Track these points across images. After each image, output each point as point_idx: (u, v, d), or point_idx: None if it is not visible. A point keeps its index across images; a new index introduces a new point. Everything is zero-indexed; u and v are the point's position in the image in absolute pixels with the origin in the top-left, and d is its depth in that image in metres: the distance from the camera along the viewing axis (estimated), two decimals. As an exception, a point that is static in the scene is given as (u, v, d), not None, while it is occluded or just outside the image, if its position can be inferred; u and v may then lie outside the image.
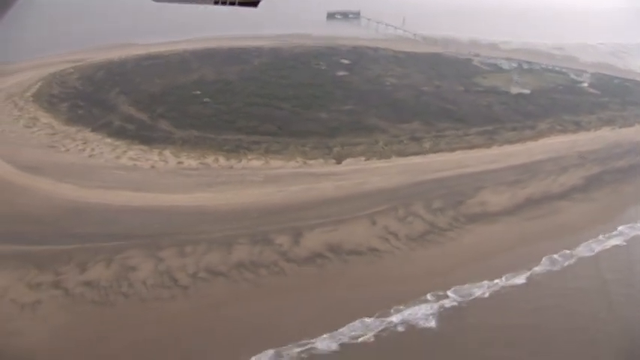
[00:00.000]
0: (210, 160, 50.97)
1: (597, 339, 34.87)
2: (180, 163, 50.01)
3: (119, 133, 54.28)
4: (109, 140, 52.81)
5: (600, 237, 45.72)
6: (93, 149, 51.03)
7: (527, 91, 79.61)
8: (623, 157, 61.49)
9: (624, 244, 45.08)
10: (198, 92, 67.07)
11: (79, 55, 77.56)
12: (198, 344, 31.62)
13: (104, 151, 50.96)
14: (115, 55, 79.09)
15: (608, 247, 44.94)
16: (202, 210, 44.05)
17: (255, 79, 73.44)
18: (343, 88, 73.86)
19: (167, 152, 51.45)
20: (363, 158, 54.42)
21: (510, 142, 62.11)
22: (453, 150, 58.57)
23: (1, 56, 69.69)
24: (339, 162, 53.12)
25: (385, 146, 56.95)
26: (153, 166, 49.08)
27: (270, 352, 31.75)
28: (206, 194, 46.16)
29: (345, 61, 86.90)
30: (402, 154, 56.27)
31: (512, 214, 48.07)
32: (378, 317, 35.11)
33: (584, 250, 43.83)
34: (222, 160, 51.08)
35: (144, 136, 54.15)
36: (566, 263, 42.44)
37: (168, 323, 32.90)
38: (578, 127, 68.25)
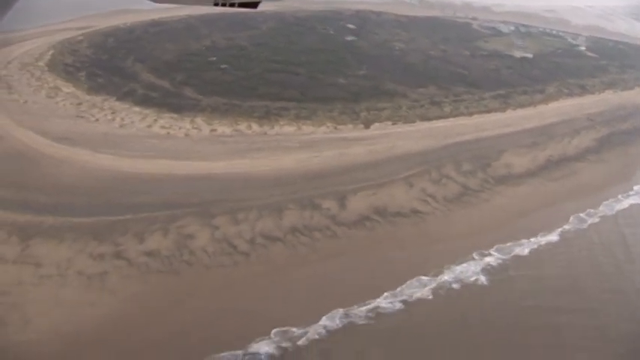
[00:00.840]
0: (243, 126, 49.97)
1: (622, 286, 37.13)
2: (213, 130, 48.88)
3: (145, 102, 52.49)
4: (136, 109, 51.06)
5: (619, 197, 47.19)
6: (122, 119, 49.32)
7: (529, 55, 79.94)
8: (627, 120, 62.86)
9: (641, 202, 46.87)
10: (214, 59, 65.09)
11: (83, 23, 73.72)
12: (266, 309, 31.77)
13: (134, 120, 49.32)
14: (119, 21, 75.49)
15: (626, 205, 46.47)
16: (244, 177, 43.47)
17: (266, 45, 71.52)
18: (354, 53, 72.71)
19: (199, 120, 50.15)
20: (389, 123, 54.21)
21: (523, 105, 62.63)
22: (471, 114, 58.79)
23: (3, 24, 65.69)
24: (367, 127, 52.83)
25: (409, 110, 56.78)
26: (187, 134, 47.89)
27: (340, 311, 32.22)
28: (245, 161, 45.47)
29: (351, 26, 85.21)
30: (425, 118, 56.24)
31: (535, 176, 48.98)
32: (432, 276, 35.90)
33: (605, 209, 45.20)
34: (255, 127, 50.14)
35: (171, 104, 52.53)
36: (590, 221, 43.84)
37: (234, 289, 32.88)
38: (584, 90, 69.19)
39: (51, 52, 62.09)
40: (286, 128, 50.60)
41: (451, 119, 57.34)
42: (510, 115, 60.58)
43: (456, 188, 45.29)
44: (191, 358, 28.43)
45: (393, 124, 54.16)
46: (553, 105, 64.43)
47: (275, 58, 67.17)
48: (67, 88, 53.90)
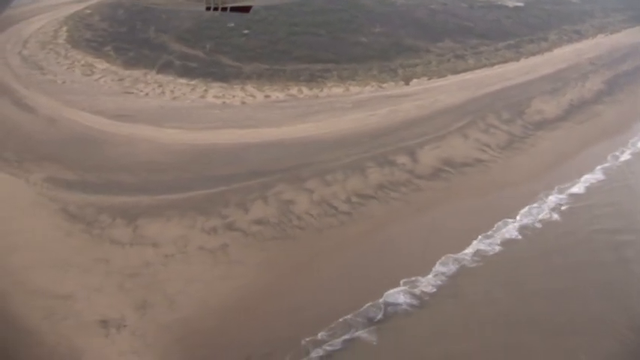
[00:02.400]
0: (294, 91, 48.48)
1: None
2: (267, 96, 47.18)
3: (188, 72, 49.66)
4: (182, 80, 48.31)
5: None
6: (172, 91, 46.62)
7: (521, 4, 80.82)
8: (625, 61, 65.56)
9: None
10: (232, 24, 61.74)
11: None
12: (384, 262, 31.91)
13: (185, 91, 46.75)
14: None
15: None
16: (315, 140, 42.57)
17: (277, 8, 68.30)
18: (363, 11, 70.75)
19: (249, 87, 48.16)
20: (425, 78, 54.11)
21: (533, 54, 63.93)
22: (492, 65, 59.53)
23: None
24: (407, 83, 52.55)
25: (438, 65, 56.77)
26: (243, 102, 46.03)
27: (450, 257, 33.01)
28: (309, 124, 44.41)
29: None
30: (454, 71, 56.48)
31: (565, 120, 50.62)
32: (515, 217, 37.22)
33: (633, 147, 47.61)
34: (305, 91, 48.77)
35: (215, 73, 49.97)
36: (623, 158, 46.15)
37: (350, 247, 32.81)
38: (580, 35, 71.22)
39: (65, 28, 57.06)
40: (335, 90, 49.54)
41: (477, 71, 57.87)
42: (525, 63, 61.81)
43: (504, 136, 46.24)
44: (334, 316, 28.35)
45: (428, 79, 54.07)
46: (557, 52, 66.18)
47: (292, 20, 64.57)
48: (101, 65, 50.05)
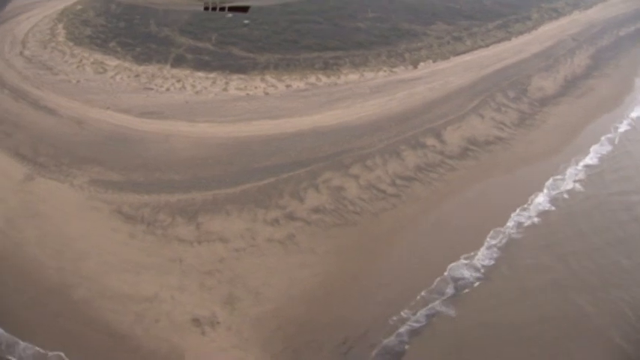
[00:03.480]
0: (312, 79, 48.33)
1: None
2: (288, 86, 46.87)
3: (203, 65, 48.44)
4: (200, 74, 47.13)
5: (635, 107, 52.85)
6: (193, 85, 45.49)
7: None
8: (602, 36, 68.83)
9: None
10: (231, 15, 60.38)
11: None
12: (442, 239, 33.24)
13: (205, 85, 45.71)
14: None
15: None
16: (345, 126, 42.74)
17: (269, -3, 67.42)
18: (350, -3, 71.02)
19: (268, 77, 47.62)
20: (430, 61, 55.22)
21: (521, 32, 66.13)
22: (487, 45, 61.23)
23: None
24: (415, 67, 53.48)
25: (440, 47, 57.99)
26: (266, 93, 45.57)
27: (499, 230, 34.63)
28: (335, 111, 44.61)
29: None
30: (455, 53, 57.84)
31: (565, 95, 52.96)
32: (545, 190, 39.34)
33: (629, 119, 50.60)
34: (323, 78, 48.73)
35: (230, 65, 48.99)
36: (621, 130, 49.07)
37: (407, 228, 33.79)
38: (558, 13, 74.07)
39: (61, 26, 54.03)
40: (351, 76, 49.79)
41: (475, 52, 59.37)
42: (516, 42, 63.90)
43: (515, 114, 48.15)
44: (410, 294, 29.39)
45: (433, 61, 55.24)
46: (542, 29, 68.66)
47: (289, 9, 63.87)
48: (111, 62, 47.96)
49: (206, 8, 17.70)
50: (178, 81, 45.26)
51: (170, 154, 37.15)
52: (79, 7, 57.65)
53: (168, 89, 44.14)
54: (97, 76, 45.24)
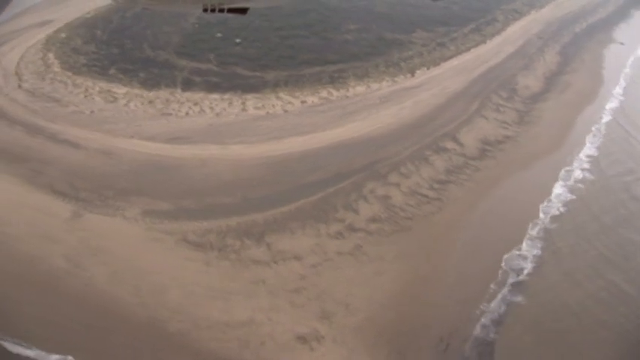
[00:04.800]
0: (324, 93, 50.61)
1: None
2: (303, 102, 48.86)
3: (214, 87, 49.31)
4: (214, 96, 48.00)
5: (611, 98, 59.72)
6: (211, 108, 46.35)
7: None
8: (562, 33, 76.07)
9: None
10: (220, 35, 61.51)
11: (36, 17, 62.31)
12: (493, 233, 36.81)
13: (223, 107, 46.69)
14: (76, 12, 65.13)
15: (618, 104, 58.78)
16: (369, 137, 45.27)
17: (251, 14, 68.03)
18: (330, 9, 73.55)
19: (282, 95, 49.38)
20: (425, 68, 59.34)
21: (493, 34, 71.95)
22: (468, 49, 66.34)
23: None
24: (413, 75, 57.36)
25: (429, 54, 62.44)
26: (285, 110, 47.34)
27: (536, 222, 38.88)
28: (355, 123, 47.12)
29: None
30: (443, 58, 62.30)
31: (549, 92, 58.48)
32: (560, 181, 44.19)
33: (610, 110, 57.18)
34: (334, 92, 51.14)
35: (241, 84, 50.18)
36: (604, 120, 55.34)
37: (457, 226, 36.98)
38: (519, 13, 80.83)
39: (52, 55, 52.66)
40: (358, 88, 52.61)
41: (459, 56, 64.11)
42: (491, 44, 69.49)
43: (513, 113, 52.98)
44: (482, 287, 32.54)
45: (427, 68, 59.46)
46: (510, 30, 74.87)
47: (273, 25, 65.68)
48: (119, 89, 47.71)
49: (205, 10, 19.05)
50: (195, 104, 45.95)
51: (212, 179, 38.09)
52: (63, 35, 56.30)
53: (187, 113, 44.79)
54: (109, 105, 44.95)
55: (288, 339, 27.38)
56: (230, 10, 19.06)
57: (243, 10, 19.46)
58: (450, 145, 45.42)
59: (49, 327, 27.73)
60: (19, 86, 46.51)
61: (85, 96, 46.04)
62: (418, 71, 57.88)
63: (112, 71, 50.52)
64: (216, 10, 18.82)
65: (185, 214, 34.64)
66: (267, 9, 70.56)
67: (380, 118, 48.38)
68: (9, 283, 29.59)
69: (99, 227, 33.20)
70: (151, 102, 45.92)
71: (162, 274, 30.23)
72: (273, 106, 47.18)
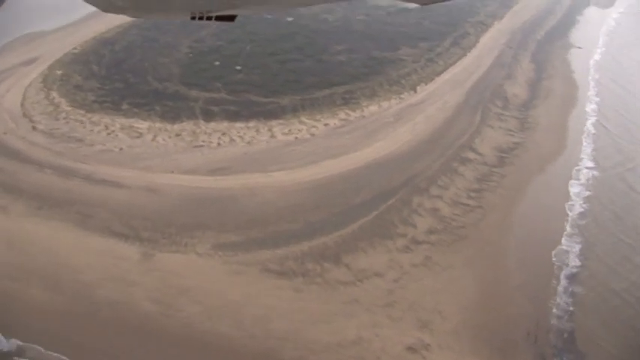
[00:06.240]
0: (342, 115, 53.94)
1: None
2: (326, 124, 51.87)
3: (236, 116, 51.09)
4: (240, 125, 49.88)
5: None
6: (241, 137, 48.28)
7: (415, 5, 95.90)
8: (527, 41, 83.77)
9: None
10: (218, 63, 63.72)
11: (22, 56, 61.45)
12: (535, 232, 41.38)
13: (252, 135, 48.78)
14: (64, 46, 64.82)
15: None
16: (397, 155, 48.88)
17: (240, 41, 71.06)
18: (313, 31, 77.30)
19: (304, 119, 52.11)
20: (423, 84, 64.55)
21: (470, 47, 78.92)
22: (454, 63, 72.63)
23: None
24: (415, 91, 62.30)
25: (423, 70, 67.92)
26: (312, 134, 50.16)
27: (567, 218, 44.45)
28: (380, 142, 50.72)
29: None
30: (436, 73, 67.63)
31: (536, 98, 64.83)
32: (575, 177, 50.23)
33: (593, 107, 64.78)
34: (351, 113, 54.57)
35: (261, 112, 52.24)
36: (592, 121, 62.57)
37: (503, 227, 41.43)
38: (485, 25, 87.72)
39: (55, 94, 52.44)
40: (372, 108, 56.48)
41: (449, 70, 70.10)
42: (471, 57, 76.01)
43: (514, 121, 58.77)
44: (544, 286, 37.17)
45: (425, 84, 64.74)
46: (482, 42, 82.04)
47: (266, 50, 68.62)
48: (140, 124, 48.51)
49: (193, 18, 20.99)
50: (223, 134, 47.75)
51: (267, 206, 40.21)
52: (59, 72, 55.95)
53: (219, 144, 46.51)
54: (136, 140, 45.78)
55: (399, 351, 30.09)
56: (218, 18, 20.91)
57: (231, 18, 21.28)
58: (471, 155, 50.10)
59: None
60: (34, 128, 46.17)
61: (108, 133, 46.51)
62: (419, 87, 62.70)
63: (124, 106, 51.13)
64: (204, 17, 20.70)
65: (256, 245, 36.50)
66: (251, 33, 73.20)
67: (398, 135, 52.35)
68: (97, 331, 30.06)
69: (174, 266, 34.33)
70: (177, 135, 47.16)
71: (257, 305, 31.95)
72: (299, 130, 49.84)
